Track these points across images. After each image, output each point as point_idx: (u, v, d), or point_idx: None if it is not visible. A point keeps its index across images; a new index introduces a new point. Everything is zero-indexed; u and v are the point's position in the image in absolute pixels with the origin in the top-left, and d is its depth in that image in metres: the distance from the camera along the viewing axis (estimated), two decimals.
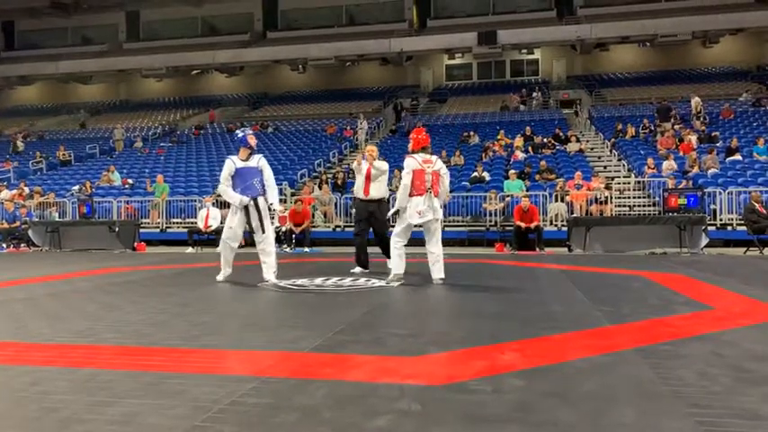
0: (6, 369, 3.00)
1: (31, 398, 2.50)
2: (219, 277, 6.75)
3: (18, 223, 14.74)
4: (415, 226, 6.28)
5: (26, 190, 17.87)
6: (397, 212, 6.40)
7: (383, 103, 30.17)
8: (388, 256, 7.18)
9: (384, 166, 7.65)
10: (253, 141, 6.64)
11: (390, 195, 8.27)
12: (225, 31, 35.28)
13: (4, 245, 14.33)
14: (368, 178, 7.53)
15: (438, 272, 6.23)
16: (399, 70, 33.69)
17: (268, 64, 33.35)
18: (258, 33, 35.02)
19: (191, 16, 35.50)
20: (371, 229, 7.79)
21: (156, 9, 35.39)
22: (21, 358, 3.23)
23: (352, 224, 8.81)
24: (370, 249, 7.67)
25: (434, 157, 6.35)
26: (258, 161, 6.61)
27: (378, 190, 7.54)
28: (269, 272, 6.54)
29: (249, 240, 9.85)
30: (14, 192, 17.71)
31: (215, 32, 35.60)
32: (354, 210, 8.41)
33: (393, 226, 6.74)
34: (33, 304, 5.18)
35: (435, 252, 6.23)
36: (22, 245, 14.17)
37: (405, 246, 6.39)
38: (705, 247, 10.87)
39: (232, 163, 6.54)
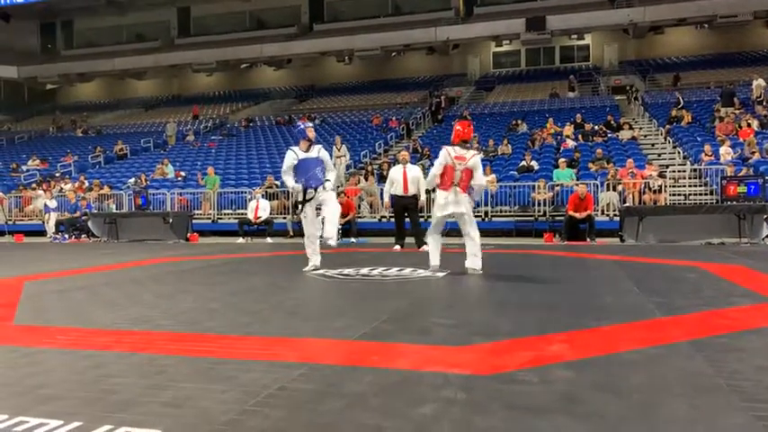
0: (70, 353, 3.15)
1: (93, 380, 2.62)
2: (306, 269, 6.75)
3: (78, 214, 15.38)
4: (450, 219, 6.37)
5: (86, 183, 18.62)
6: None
7: (429, 93, 29.98)
8: (420, 246, 9.16)
9: (416, 170, 10.17)
10: (311, 134, 6.89)
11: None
12: (272, 24, 35.69)
13: (66, 235, 14.99)
14: (405, 179, 9.82)
15: (472, 261, 6.19)
16: (445, 59, 33.39)
17: (315, 56, 33.59)
18: (305, 26, 35.30)
19: (239, 11, 36.05)
20: (408, 220, 10.08)
21: (205, 5, 36.10)
22: (83, 343, 3.38)
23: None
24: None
25: (470, 152, 6.21)
26: (319, 151, 6.85)
27: (414, 187, 9.82)
28: (331, 228, 6.63)
29: (297, 232, 10.06)
30: (76, 184, 18.48)
31: (262, 26, 36.07)
32: (393, 204, 10.36)
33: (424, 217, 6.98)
34: (93, 292, 5.42)
35: (473, 239, 6.21)
36: (83, 235, 14.80)
37: (441, 238, 6.53)
38: (766, 237, 10.41)
39: (294, 154, 6.76)
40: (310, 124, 7.05)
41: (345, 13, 34.88)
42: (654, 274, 6.29)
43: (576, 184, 12.75)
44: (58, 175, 21.01)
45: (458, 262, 6.48)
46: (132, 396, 2.37)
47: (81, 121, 32.61)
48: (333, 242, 6.72)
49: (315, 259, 6.86)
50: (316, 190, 6.70)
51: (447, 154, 6.15)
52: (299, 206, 6.86)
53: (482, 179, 6.40)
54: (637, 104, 23.97)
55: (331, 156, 17.09)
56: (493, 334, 3.43)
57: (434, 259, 6.44)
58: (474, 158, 6.20)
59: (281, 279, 6.36)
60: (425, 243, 9.28)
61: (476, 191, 6.34)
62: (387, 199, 10.58)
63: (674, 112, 19.80)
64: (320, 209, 6.90)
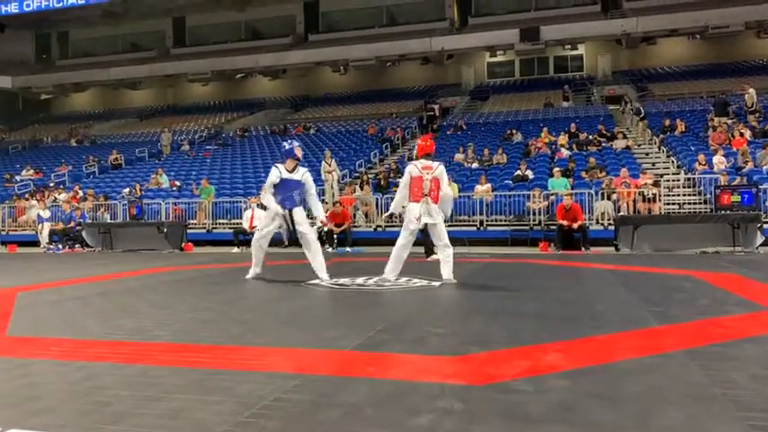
0: (64, 364, 3.12)
1: (86, 392, 2.60)
2: (248, 275, 6.98)
3: (73, 224, 15.32)
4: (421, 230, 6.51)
5: (80, 193, 18.55)
6: (391, 215, 6.93)
7: (424, 103, 30.09)
8: (428, 256, 9.01)
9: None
10: (299, 153, 6.89)
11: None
12: (267, 34, 35.78)
13: (61, 245, 14.92)
14: None
15: (446, 272, 6.32)
16: (440, 69, 33.54)
17: (310, 66, 33.68)
18: (300, 36, 35.41)
19: (234, 21, 36.13)
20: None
21: (201, 15, 36.16)
22: (76, 354, 3.36)
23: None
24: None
25: (435, 164, 6.43)
26: (303, 175, 6.85)
27: None
28: (321, 271, 6.71)
29: (293, 240, 10.06)
30: (70, 194, 18.41)
31: (258, 36, 36.16)
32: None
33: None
34: (87, 303, 5.38)
35: (446, 252, 6.36)
36: (77, 245, 14.72)
37: (407, 252, 6.57)
38: (760, 245, 10.46)
39: (278, 172, 6.75)
40: (298, 143, 7.03)
41: (340, 24, 35.02)
42: (649, 283, 6.31)
43: (567, 195, 12.77)
44: (51, 185, 20.94)
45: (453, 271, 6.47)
46: (126, 408, 2.35)
47: (85, 129, 32.56)
48: (325, 277, 6.71)
49: (257, 269, 6.99)
50: (290, 211, 6.70)
51: (413, 167, 6.36)
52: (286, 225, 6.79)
53: (447, 188, 6.52)
54: (630, 114, 24.12)
55: (319, 171, 17.34)
56: (488, 343, 3.43)
57: (393, 271, 6.46)
58: (440, 167, 6.41)
59: (276, 289, 6.35)
60: (434, 253, 9.31)
61: (442, 199, 6.42)
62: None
63: (638, 123, 20.36)
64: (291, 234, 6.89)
